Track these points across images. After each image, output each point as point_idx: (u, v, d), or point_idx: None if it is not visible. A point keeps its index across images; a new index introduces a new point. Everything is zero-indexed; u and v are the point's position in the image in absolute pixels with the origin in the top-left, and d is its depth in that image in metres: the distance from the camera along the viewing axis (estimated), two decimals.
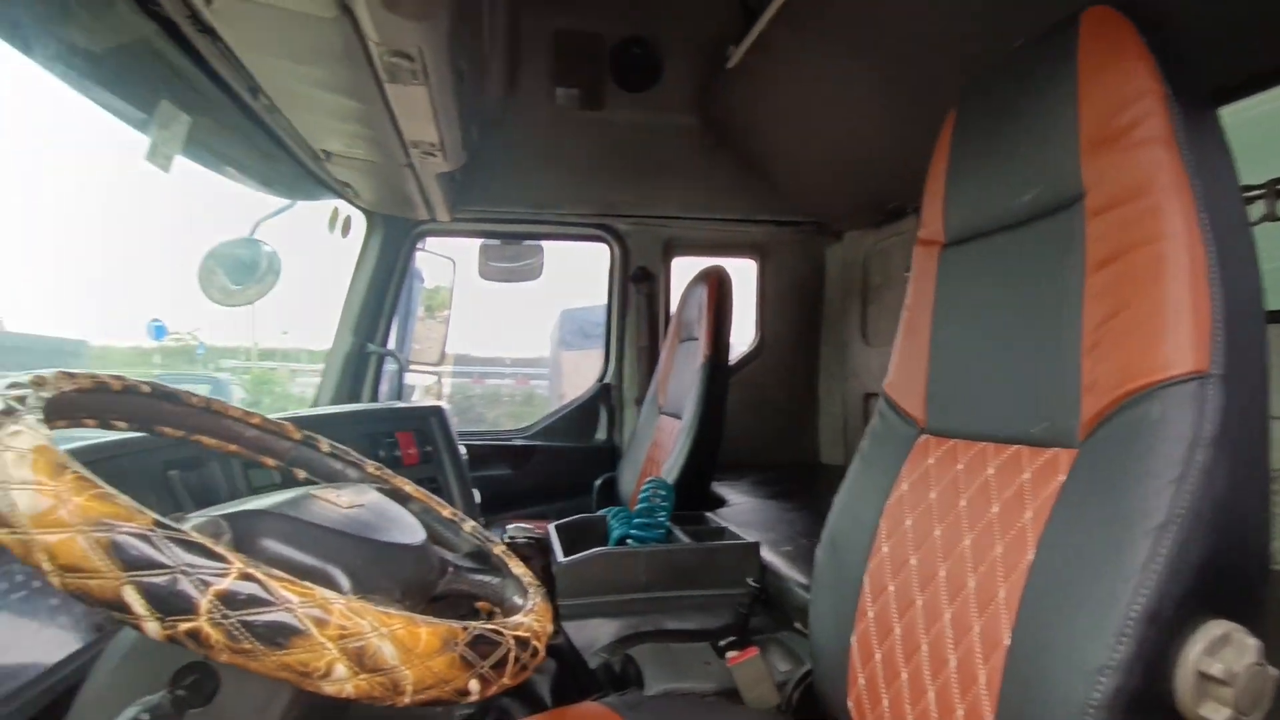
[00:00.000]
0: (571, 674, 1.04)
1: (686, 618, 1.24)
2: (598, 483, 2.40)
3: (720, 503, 1.98)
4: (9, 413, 0.46)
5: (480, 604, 0.75)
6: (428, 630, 0.47)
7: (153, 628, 0.41)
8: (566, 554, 1.32)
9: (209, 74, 1.23)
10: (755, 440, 2.63)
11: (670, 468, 1.89)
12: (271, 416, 0.94)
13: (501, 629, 0.54)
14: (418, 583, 0.63)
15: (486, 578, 0.75)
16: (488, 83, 1.87)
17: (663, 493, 1.51)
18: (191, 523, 0.49)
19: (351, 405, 1.62)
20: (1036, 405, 0.73)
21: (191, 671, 0.52)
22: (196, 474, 0.93)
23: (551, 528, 1.49)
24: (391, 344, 2.40)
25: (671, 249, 2.63)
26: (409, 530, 0.67)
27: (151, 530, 0.41)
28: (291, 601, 0.42)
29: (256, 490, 0.99)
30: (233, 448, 0.76)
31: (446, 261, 2.57)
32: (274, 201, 2.03)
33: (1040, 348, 0.74)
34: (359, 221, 2.21)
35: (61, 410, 0.57)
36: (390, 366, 2.41)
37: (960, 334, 0.88)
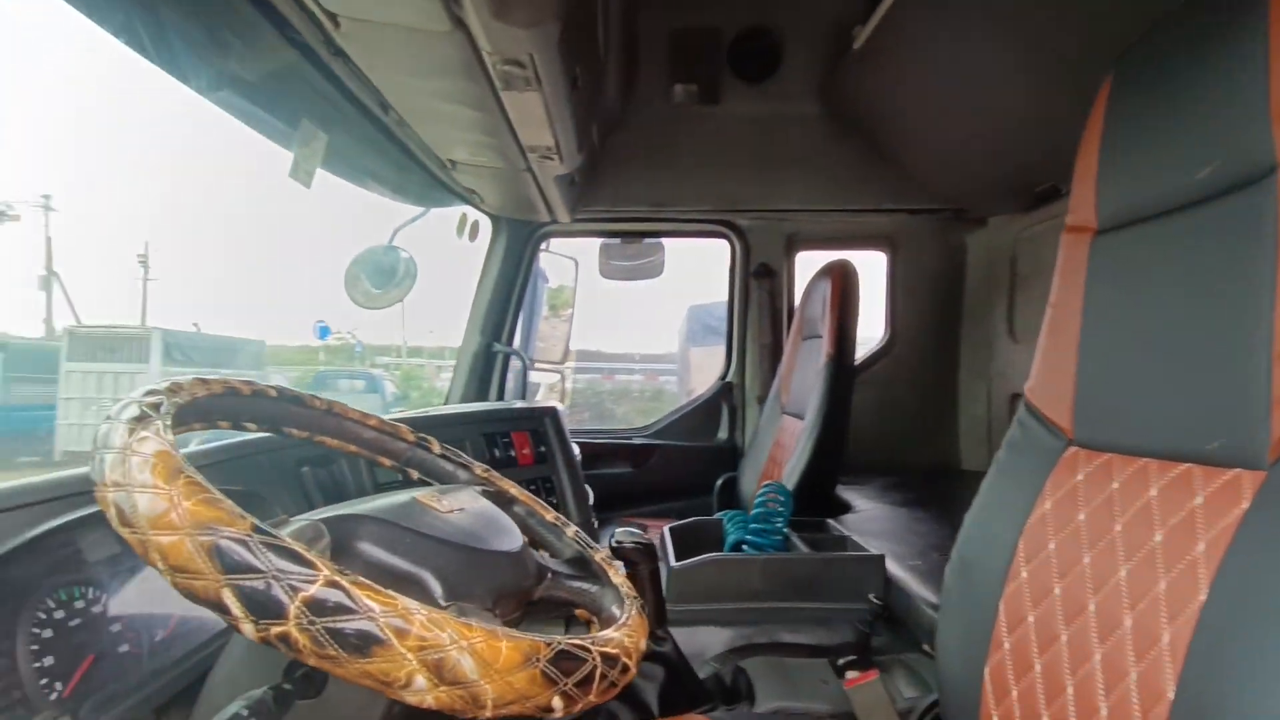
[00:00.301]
0: (679, 683, 1.02)
1: (802, 631, 1.18)
2: (718, 483, 2.37)
3: (845, 508, 1.89)
4: (142, 419, 0.50)
5: (578, 611, 0.75)
6: (508, 644, 0.47)
7: (248, 629, 0.42)
8: (679, 558, 1.30)
9: (344, 94, 1.31)
10: (885, 442, 2.49)
11: (791, 470, 1.83)
12: (389, 417, 0.99)
13: (588, 645, 0.53)
14: (512, 590, 0.63)
15: (585, 585, 0.74)
16: (605, 84, 1.88)
17: (780, 498, 1.46)
18: (294, 526, 0.52)
19: (471, 405, 1.69)
20: (1212, 418, 0.62)
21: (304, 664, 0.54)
22: (326, 470, 1.00)
23: (665, 530, 1.48)
24: (517, 343, 2.49)
25: (794, 243, 2.54)
26: (506, 537, 0.67)
27: (249, 536, 0.43)
28: (374, 610, 0.43)
29: (380, 487, 1.05)
30: (352, 448, 0.80)
31: (569, 261, 2.63)
32: (410, 210, 2.17)
33: (1217, 351, 0.63)
34: (486, 225, 2.31)
35: (197, 414, 0.62)
36: (516, 365, 2.50)
37: (1116, 333, 0.77)
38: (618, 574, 0.76)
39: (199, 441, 0.92)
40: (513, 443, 1.28)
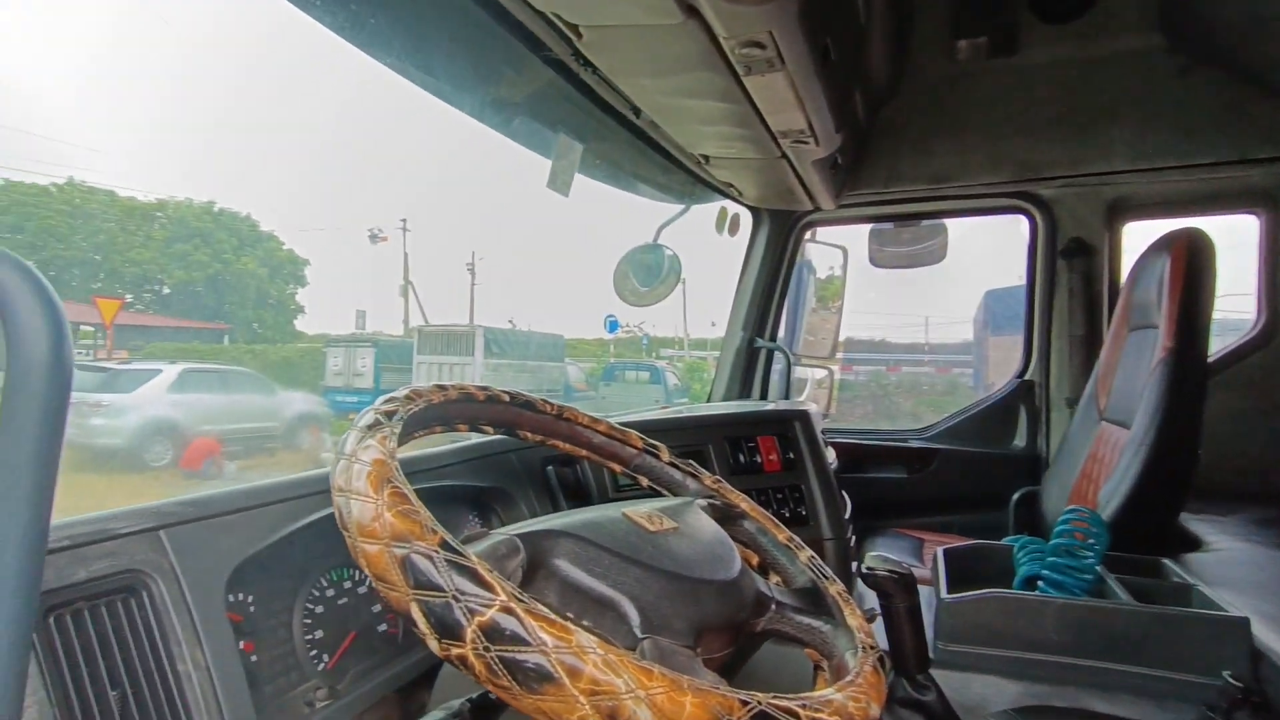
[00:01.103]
0: None
1: (1120, 701, 0.94)
2: (1015, 498, 2.04)
3: (1191, 544, 1.48)
4: (372, 427, 0.54)
5: (807, 651, 0.66)
6: (694, 701, 0.41)
7: (434, 646, 0.42)
8: (954, 587, 1.12)
9: (598, 103, 1.36)
10: (1260, 461, 1.92)
11: (1113, 490, 1.49)
12: (624, 418, 0.99)
13: (797, 709, 0.45)
14: (720, 623, 0.57)
15: (815, 622, 0.65)
16: (869, 52, 1.71)
17: (1093, 528, 1.18)
18: (490, 540, 0.51)
19: (717, 407, 1.64)
20: None
21: None
22: (571, 470, 1.03)
23: (940, 552, 1.29)
24: (781, 338, 2.41)
25: (1118, 212, 2.07)
26: (720, 563, 0.61)
27: (435, 552, 0.43)
28: (546, 645, 0.40)
29: (620, 489, 1.06)
30: (583, 453, 0.81)
31: (836, 250, 2.47)
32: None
33: None
34: (747, 219, 2.26)
35: (436, 418, 0.66)
36: (781, 361, 2.41)
37: None
38: (855, 613, 0.66)
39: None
40: (758, 448, 1.21)
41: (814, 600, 0.68)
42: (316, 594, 0.68)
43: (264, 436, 8.72)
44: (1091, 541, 1.17)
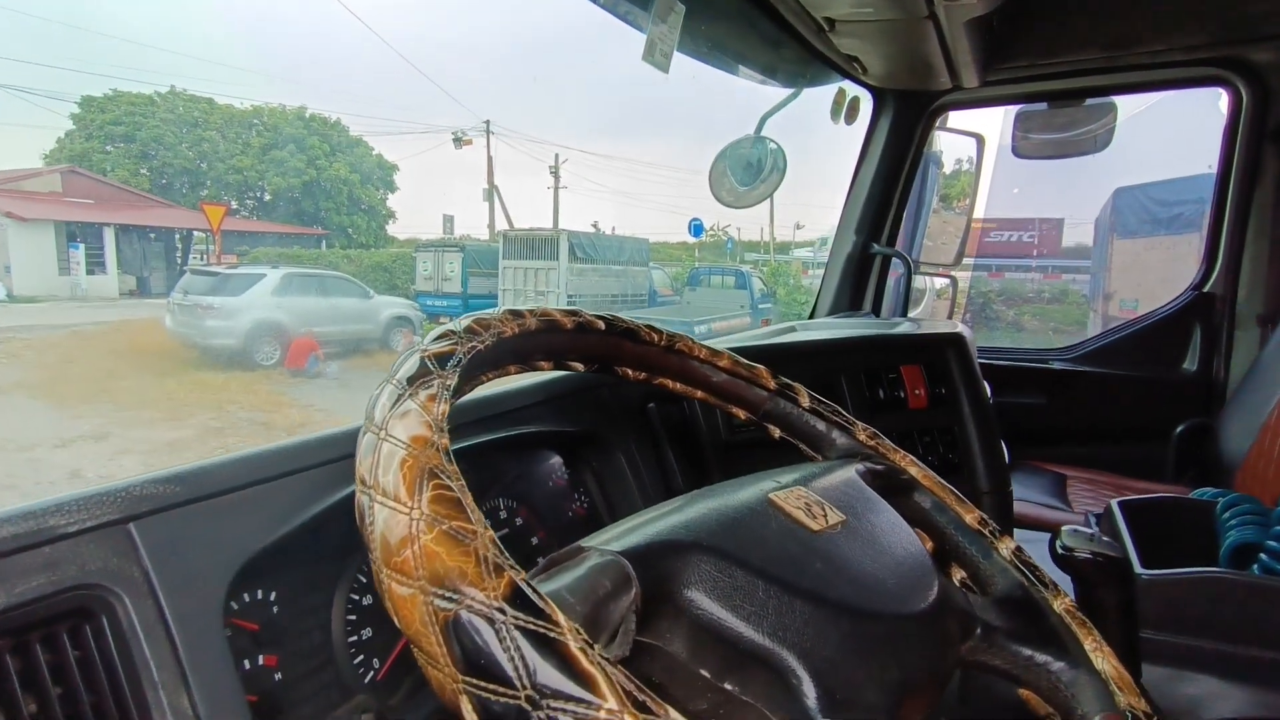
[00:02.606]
0: None
1: None
2: (1179, 430, 1.74)
3: None
4: (418, 378, 0.37)
5: (1023, 692, 0.47)
6: None
7: None
8: (1146, 558, 0.90)
9: None
10: None
11: None
12: (733, 343, 0.79)
13: None
14: (923, 678, 0.39)
15: (1040, 655, 0.46)
16: None
17: None
18: (586, 567, 0.34)
19: (845, 327, 1.39)
20: None
21: None
22: (678, 408, 0.85)
23: (1115, 506, 1.06)
24: (900, 243, 2.11)
25: None
26: (914, 580, 0.42)
27: (499, 611, 0.26)
28: None
29: (736, 431, 0.87)
30: (699, 394, 0.62)
31: (967, 140, 2.11)
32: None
33: None
34: (866, 105, 1.93)
35: (512, 354, 0.49)
36: (897, 269, 2.13)
37: None
38: (1102, 647, 0.46)
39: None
40: (901, 380, 0.99)
41: (1029, 617, 0.48)
42: (364, 580, 0.53)
43: (361, 339, 9.11)
44: None
